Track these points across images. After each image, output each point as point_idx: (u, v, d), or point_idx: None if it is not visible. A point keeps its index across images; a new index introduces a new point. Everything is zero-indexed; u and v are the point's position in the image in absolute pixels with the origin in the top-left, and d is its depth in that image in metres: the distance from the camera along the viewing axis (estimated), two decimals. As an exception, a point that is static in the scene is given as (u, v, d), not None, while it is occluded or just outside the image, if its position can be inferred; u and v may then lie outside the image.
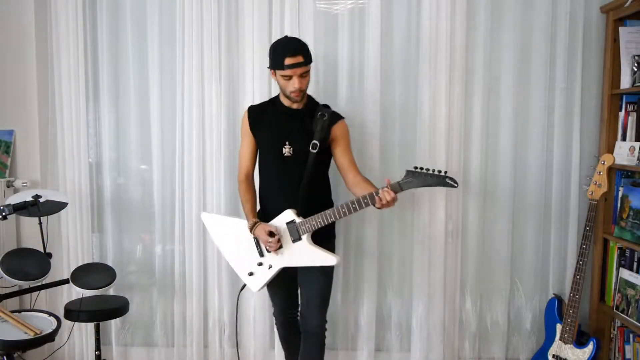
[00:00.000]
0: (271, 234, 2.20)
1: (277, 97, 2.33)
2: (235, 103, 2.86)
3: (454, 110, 2.76)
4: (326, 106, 2.30)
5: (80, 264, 2.77)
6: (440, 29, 2.71)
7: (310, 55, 2.18)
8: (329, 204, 2.36)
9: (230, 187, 2.87)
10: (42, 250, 2.52)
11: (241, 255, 2.36)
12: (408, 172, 2.08)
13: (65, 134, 2.90)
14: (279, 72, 2.15)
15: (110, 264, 2.82)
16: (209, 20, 2.78)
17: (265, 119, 2.30)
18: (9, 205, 2.36)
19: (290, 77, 2.14)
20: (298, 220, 2.21)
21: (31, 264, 2.41)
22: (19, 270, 2.34)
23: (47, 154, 2.96)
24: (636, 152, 2.43)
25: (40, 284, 2.45)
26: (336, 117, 2.29)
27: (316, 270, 2.27)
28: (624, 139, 2.58)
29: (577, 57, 2.73)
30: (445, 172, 2.04)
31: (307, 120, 2.24)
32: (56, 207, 2.54)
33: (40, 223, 2.51)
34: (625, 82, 2.56)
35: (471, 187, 2.82)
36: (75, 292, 2.77)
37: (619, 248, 2.59)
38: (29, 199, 2.45)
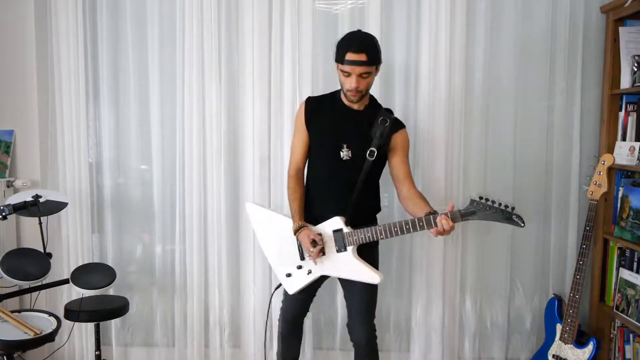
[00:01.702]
0: (314, 242, 2.09)
1: (338, 92, 2.18)
2: (235, 103, 2.86)
3: (454, 111, 2.75)
4: (389, 111, 2.17)
5: (80, 264, 2.77)
6: (440, 29, 2.71)
7: (377, 56, 2.01)
8: (375, 214, 2.28)
9: (230, 186, 2.87)
10: (42, 250, 2.52)
11: (282, 254, 2.27)
12: (472, 201, 1.96)
13: (65, 134, 2.90)
14: (339, 67, 2.01)
15: (110, 264, 2.82)
16: (209, 20, 2.78)
17: (323, 115, 2.15)
18: (9, 205, 2.36)
19: (349, 75, 1.99)
20: (346, 230, 2.10)
21: (31, 264, 2.40)
22: (19, 270, 2.34)
23: (47, 154, 2.96)
24: (636, 152, 2.43)
25: (40, 284, 2.44)
26: (398, 125, 2.16)
27: (361, 282, 2.16)
28: (624, 139, 2.58)
29: (577, 57, 2.73)
30: (513, 208, 1.94)
31: (366, 124, 2.10)
32: (56, 207, 2.54)
33: (40, 223, 2.51)
34: (625, 82, 2.56)
35: (471, 186, 2.82)
36: (75, 292, 2.77)
37: (619, 248, 2.59)
38: (29, 199, 2.45)
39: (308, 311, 2.41)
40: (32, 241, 2.79)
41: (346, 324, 2.30)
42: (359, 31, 2.11)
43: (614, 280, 2.59)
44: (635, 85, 2.49)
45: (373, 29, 2.74)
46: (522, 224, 1.92)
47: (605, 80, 2.66)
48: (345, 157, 2.10)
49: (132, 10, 2.88)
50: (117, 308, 2.57)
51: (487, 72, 2.76)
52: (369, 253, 2.17)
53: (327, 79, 2.81)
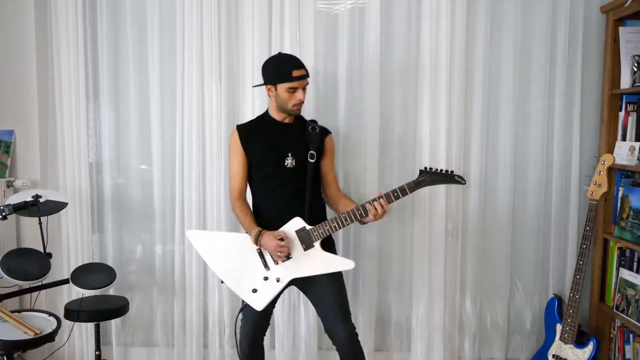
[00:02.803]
0: (281, 239, 2.14)
1: (266, 113, 2.34)
2: (235, 103, 2.86)
3: (454, 111, 2.76)
4: (313, 121, 2.33)
5: (80, 264, 2.77)
6: (440, 29, 2.71)
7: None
8: (325, 212, 2.37)
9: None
10: (42, 250, 2.52)
11: (242, 272, 2.21)
12: (421, 171, 2.17)
13: (65, 134, 2.90)
14: (284, 85, 2.17)
15: (110, 264, 2.82)
16: (209, 20, 2.78)
17: (259, 135, 2.29)
18: (9, 205, 2.35)
19: (295, 90, 2.18)
20: (309, 227, 2.18)
21: (31, 264, 2.40)
22: (19, 270, 2.34)
23: (47, 154, 2.96)
24: (636, 152, 2.43)
25: (40, 284, 2.44)
26: (326, 131, 2.36)
27: (326, 281, 2.20)
28: (624, 139, 2.58)
29: (577, 57, 2.73)
30: (453, 172, 2.18)
31: (300, 133, 2.28)
32: (56, 207, 2.54)
33: (40, 223, 2.51)
34: (625, 82, 2.56)
35: (471, 186, 2.82)
36: (75, 292, 2.77)
37: (619, 248, 2.59)
38: (29, 199, 2.44)
39: (269, 326, 2.38)
40: (32, 241, 2.78)
41: (324, 329, 2.23)
42: (283, 53, 2.33)
43: (614, 280, 2.59)
44: (635, 85, 2.49)
45: (373, 29, 2.75)
46: (463, 182, 2.19)
47: (605, 80, 2.66)
48: (290, 165, 2.24)
49: (132, 10, 2.88)
50: (117, 308, 2.57)
51: (487, 72, 2.77)
52: (330, 249, 2.27)
53: (328, 77, 2.82)
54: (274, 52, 2.76)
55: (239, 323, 2.34)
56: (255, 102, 2.78)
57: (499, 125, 2.82)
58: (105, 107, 2.96)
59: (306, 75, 2.21)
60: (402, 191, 2.14)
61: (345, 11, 2.80)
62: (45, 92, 2.92)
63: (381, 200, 2.13)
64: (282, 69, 2.18)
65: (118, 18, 2.90)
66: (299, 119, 2.34)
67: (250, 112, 2.81)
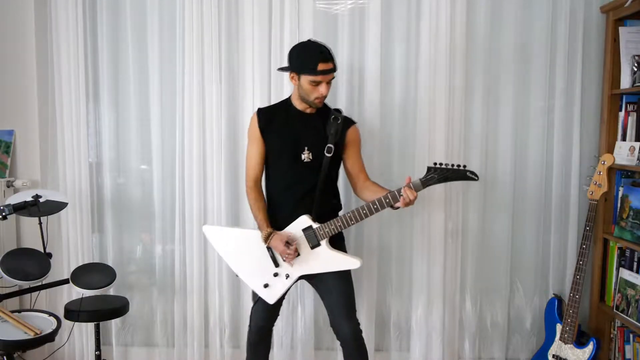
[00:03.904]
0: (287, 244, 2.14)
1: (288, 100, 2.28)
2: (236, 103, 2.86)
3: (454, 111, 2.75)
4: (338, 110, 2.25)
5: (80, 264, 2.77)
6: (440, 29, 2.71)
7: (336, 62, 2.16)
8: (339, 208, 2.35)
9: (230, 187, 2.87)
10: (42, 250, 2.52)
11: (254, 267, 2.25)
12: (429, 168, 2.07)
13: (65, 134, 2.90)
14: (307, 77, 2.08)
15: (110, 264, 2.82)
16: (209, 20, 2.77)
17: (277, 123, 2.23)
18: (9, 205, 2.35)
19: (318, 83, 2.09)
20: (315, 225, 2.17)
21: (31, 264, 2.41)
22: (19, 270, 2.34)
23: (47, 154, 2.96)
24: (636, 152, 2.43)
25: (40, 284, 2.45)
26: (350, 122, 2.27)
27: (333, 278, 2.21)
28: (624, 139, 2.58)
29: (577, 57, 2.73)
30: (465, 166, 2.04)
31: (321, 125, 2.21)
32: (56, 207, 2.54)
33: (40, 223, 2.51)
34: (625, 82, 2.56)
35: (471, 186, 2.82)
36: (75, 292, 2.77)
37: (619, 248, 2.59)
38: (29, 199, 2.45)
39: (277, 317, 2.43)
40: (32, 241, 2.78)
41: (330, 323, 2.28)
42: (312, 41, 2.19)
43: (614, 280, 2.59)
44: (635, 85, 2.49)
45: (373, 29, 2.75)
46: (476, 177, 2.05)
47: (605, 80, 2.66)
48: (307, 159, 2.18)
49: (132, 10, 2.88)
50: (117, 308, 2.57)
51: (487, 72, 2.76)
52: (339, 246, 2.26)
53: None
54: (274, 52, 2.77)
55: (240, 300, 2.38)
56: (256, 102, 2.78)
57: (499, 125, 2.82)
58: (105, 107, 2.95)
59: (333, 69, 2.10)
60: (393, 197, 2.08)
61: (345, 11, 2.80)
62: (45, 92, 2.92)
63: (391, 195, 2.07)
64: (307, 60, 2.08)
65: (118, 18, 2.90)
66: (322, 107, 2.25)
67: (250, 112, 2.80)
